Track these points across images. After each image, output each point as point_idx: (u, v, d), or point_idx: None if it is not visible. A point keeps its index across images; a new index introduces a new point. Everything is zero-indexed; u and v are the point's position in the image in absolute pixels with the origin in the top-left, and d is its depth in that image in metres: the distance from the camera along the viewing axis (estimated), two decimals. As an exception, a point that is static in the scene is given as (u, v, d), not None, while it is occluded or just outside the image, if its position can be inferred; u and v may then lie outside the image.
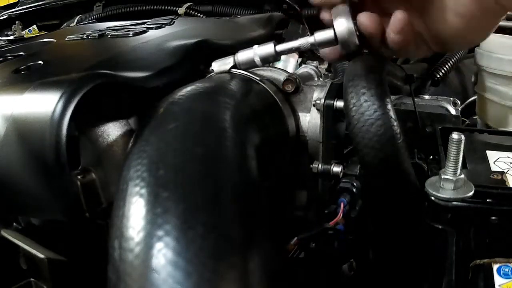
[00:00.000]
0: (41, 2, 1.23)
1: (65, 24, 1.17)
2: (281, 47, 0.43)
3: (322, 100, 0.44)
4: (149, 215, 0.24)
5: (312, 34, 0.41)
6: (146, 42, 0.53)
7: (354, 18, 0.39)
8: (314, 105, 0.44)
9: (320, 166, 0.45)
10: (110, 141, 0.38)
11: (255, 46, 0.44)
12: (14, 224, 0.45)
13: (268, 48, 0.43)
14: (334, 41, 0.40)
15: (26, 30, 1.10)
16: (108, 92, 0.36)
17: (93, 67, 0.41)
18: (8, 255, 0.42)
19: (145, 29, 0.60)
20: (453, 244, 0.38)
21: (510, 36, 0.74)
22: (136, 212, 0.24)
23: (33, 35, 0.96)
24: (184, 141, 0.29)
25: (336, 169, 0.45)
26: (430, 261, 0.40)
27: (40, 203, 0.34)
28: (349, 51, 0.41)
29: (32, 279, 0.42)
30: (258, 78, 0.44)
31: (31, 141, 0.32)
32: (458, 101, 0.68)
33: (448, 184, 0.38)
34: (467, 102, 0.84)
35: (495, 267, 0.36)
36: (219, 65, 0.45)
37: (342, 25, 0.39)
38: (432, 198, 0.39)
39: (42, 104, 0.32)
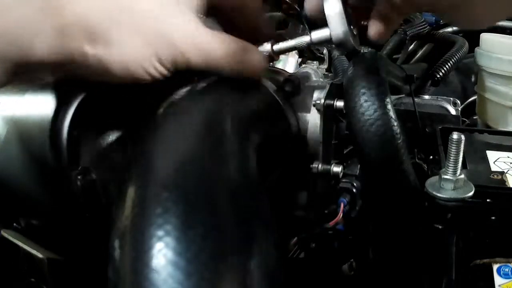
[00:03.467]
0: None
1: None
2: (278, 46, 0.43)
3: (322, 100, 0.44)
4: (149, 215, 0.24)
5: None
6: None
7: (352, 20, 0.39)
8: (314, 105, 0.44)
9: (320, 166, 0.44)
10: (110, 141, 0.38)
11: None
12: (14, 224, 0.45)
13: (265, 47, 0.43)
14: (330, 40, 0.40)
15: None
16: (108, 92, 0.36)
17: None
18: (8, 255, 0.42)
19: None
20: (453, 244, 0.38)
21: (510, 36, 0.74)
22: (136, 212, 0.24)
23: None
24: (184, 141, 0.29)
25: (336, 169, 0.45)
26: (430, 261, 0.40)
27: (40, 203, 0.34)
28: (346, 51, 0.41)
29: (32, 279, 0.42)
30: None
31: (31, 142, 0.32)
32: (458, 101, 0.68)
33: (448, 184, 0.38)
34: (467, 102, 0.84)
35: (495, 267, 0.36)
36: None
37: (337, 28, 0.39)
38: (432, 198, 0.39)
39: (43, 105, 0.32)
